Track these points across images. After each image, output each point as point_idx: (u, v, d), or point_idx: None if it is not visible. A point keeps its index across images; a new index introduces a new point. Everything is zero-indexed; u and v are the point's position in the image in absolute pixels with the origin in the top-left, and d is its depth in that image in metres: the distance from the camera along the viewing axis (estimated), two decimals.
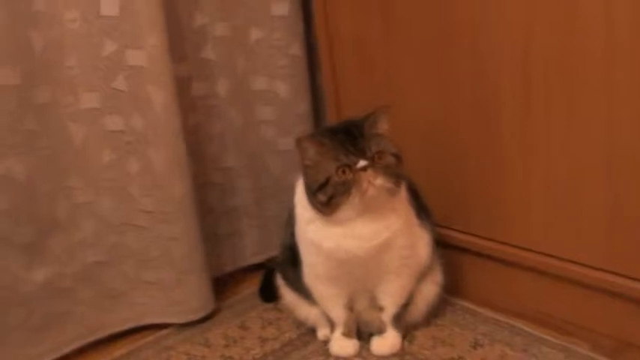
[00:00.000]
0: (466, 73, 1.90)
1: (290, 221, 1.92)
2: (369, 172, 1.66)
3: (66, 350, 2.06)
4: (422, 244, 1.90)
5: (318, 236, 1.77)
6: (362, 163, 1.66)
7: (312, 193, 1.73)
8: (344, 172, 1.67)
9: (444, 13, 1.91)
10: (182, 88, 2.08)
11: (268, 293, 2.23)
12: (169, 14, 1.99)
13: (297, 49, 2.31)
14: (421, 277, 1.92)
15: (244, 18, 2.23)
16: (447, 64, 1.94)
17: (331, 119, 2.35)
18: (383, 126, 1.74)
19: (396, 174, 1.71)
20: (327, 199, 1.69)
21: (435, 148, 2.06)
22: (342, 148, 1.68)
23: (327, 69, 2.32)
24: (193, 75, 2.19)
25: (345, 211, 1.70)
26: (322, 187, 1.69)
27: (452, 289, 2.07)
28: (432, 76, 1.99)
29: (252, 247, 2.45)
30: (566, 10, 1.65)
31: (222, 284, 2.36)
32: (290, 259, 1.94)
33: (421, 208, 1.92)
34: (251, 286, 2.36)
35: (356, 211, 1.70)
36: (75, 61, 1.93)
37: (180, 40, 2.11)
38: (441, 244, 1.98)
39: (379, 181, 1.67)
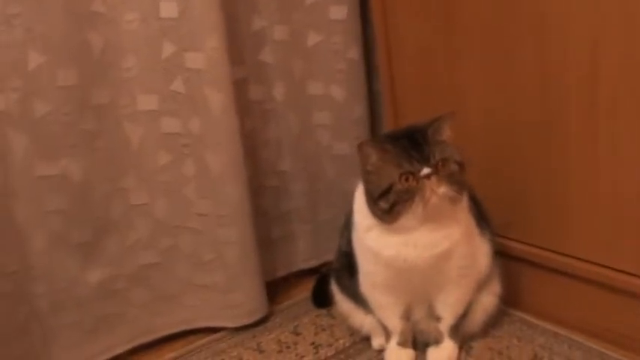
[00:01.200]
0: (530, 79, 1.87)
1: (347, 227, 1.90)
2: (433, 180, 1.63)
3: (117, 352, 2.07)
4: (481, 253, 1.87)
5: (378, 244, 1.74)
6: (426, 170, 1.63)
7: (373, 200, 1.70)
8: (407, 179, 1.63)
9: (508, 15, 1.87)
10: (239, 91, 2.07)
11: (321, 299, 2.21)
12: (228, 17, 1.97)
13: (354, 53, 2.29)
14: (479, 287, 1.89)
15: (302, 22, 2.22)
16: (511, 69, 1.91)
17: (388, 125, 2.33)
18: (447, 132, 1.71)
19: (460, 182, 1.68)
20: (389, 206, 1.66)
21: (497, 156, 2.02)
22: (405, 154, 1.64)
23: (385, 73, 2.29)
24: (250, 78, 2.17)
25: (407, 219, 1.67)
26: (384, 194, 1.66)
27: (509, 300, 2.03)
28: (495, 81, 1.96)
29: (305, 252, 2.43)
30: (635, 10, 1.61)
31: (275, 289, 2.35)
32: (346, 267, 1.92)
33: (482, 217, 1.89)
34: (304, 291, 2.35)
35: (418, 219, 1.67)
36: (133, 63, 1.93)
37: (238, 43, 2.10)
38: (499, 254, 1.95)
39: (443, 189, 1.64)
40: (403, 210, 1.65)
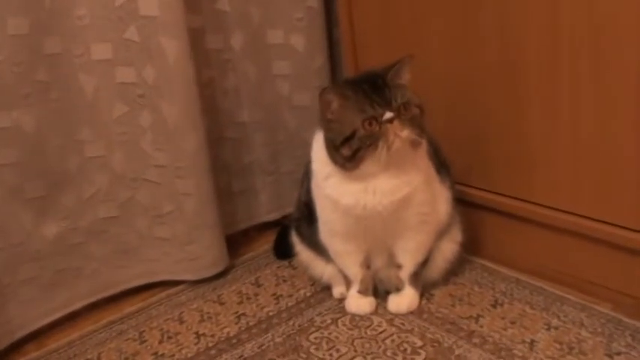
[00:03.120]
0: (491, 28, 1.85)
1: (306, 177, 1.89)
2: (396, 123, 1.62)
3: (77, 306, 2.06)
4: (442, 200, 1.87)
5: (336, 192, 1.73)
6: (388, 114, 1.61)
7: (334, 147, 1.68)
8: (370, 124, 1.62)
9: None
10: (196, 40, 2.04)
11: (283, 250, 2.21)
12: None
13: (314, 0, 2.25)
14: (440, 234, 1.89)
15: None
16: (473, 18, 1.89)
17: (349, 74, 2.30)
18: (406, 76, 1.69)
19: (420, 126, 1.67)
20: (352, 153, 1.65)
21: (457, 104, 2.01)
22: (367, 99, 1.63)
23: (345, 22, 2.26)
24: (207, 27, 2.14)
25: (370, 165, 1.66)
26: (347, 140, 1.64)
27: (471, 247, 2.03)
28: (455, 26, 1.94)
29: (267, 204, 2.42)
30: None
31: (236, 241, 2.34)
32: (306, 216, 1.91)
33: (441, 164, 1.88)
34: (265, 244, 2.34)
35: (381, 164, 1.65)
36: (86, 11, 1.89)
37: None
38: (460, 202, 1.95)
39: (405, 132, 1.63)
40: (366, 155, 1.64)
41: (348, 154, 1.65)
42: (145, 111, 1.99)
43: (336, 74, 2.41)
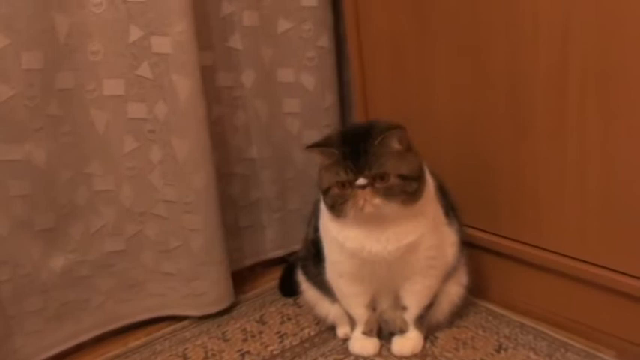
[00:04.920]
0: (500, 70, 1.86)
1: (314, 215, 1.90)
2: (367, 191, 1.64)
3: (82, 339, 2.06)
4: (449, 244, 1.87)
5: (341, 235, 1.75)
6: (360, 181, 1.63)
7: (322, 193, 1.74)
8: (343, 186, 1.66)
9: (480, 4, 1.86)
10: (207, 77, 2.05)
11: (288, 288, 2.20)
12: (196, 1, 1.95)
13: (325, 40, 2.27)
14: (446, 277, 1.89)
15: (272, 8, 2.19)
16: (481, 60, 1.90)
17: (358, 113, 2.32)
18: (394, 146, 1.67)
19: (404, 192, 1.66)
20: (331, 204, 1.70)
21: (465, 146, 2.02)
22: (344, 163, 1.65)
23: (355, 62, 2.28)
24: (219, 65, 2.15)
25: (353, 219, 1.69)
26: (325, 193, 1.70)
27: (476, 290, 2.03)
28: (464, 71, 1.95)
29: (273, 241, 2.42)
30: (606, 3, 1.60)
31: (241, 278, 2.34)
32: (312, 255, 1.92)
33: (450, 208, 1.88)
34: (271, 281, 2.34)
35: (357, 222, 1.69)
36: (99, 47, 1.90)
37: (206, 29, 2.08)
38: (466, 244, 1.95)
39: (376, 201, 1.64)
40: (342, 210, 1.67)
41: (329, 203, 1.70)
42: (155, 146, 2.00)
43: (345, 113, 2.42)
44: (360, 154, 1.64)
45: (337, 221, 1.73)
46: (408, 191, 1.67)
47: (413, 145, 1.72)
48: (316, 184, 1.76)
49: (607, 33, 1.61)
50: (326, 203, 1.72)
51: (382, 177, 1.64)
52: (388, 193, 1.64)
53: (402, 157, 1.68)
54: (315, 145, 1.74)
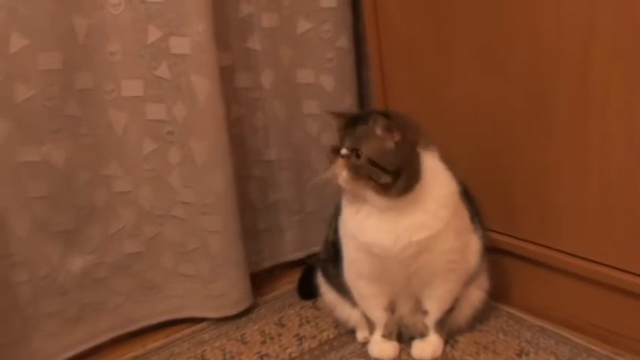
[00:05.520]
0: (520, 74, 1.84)
1: (335, 217, 1.89)
2: (340, 161, 1.70)
3: (100, 341, 2.06)
4: (472, 250, 1.85)
5: (357, 228, 1.76)
6: (343, 151, 1.71)
7: None
8: (333, 151, 1.74)
9: (498, 6, 1.85)
10: (226, 78, 2.04)
11: (307, 290, 2.20)
12: (215, 1, 1.95)
13: (344, 41, 2.26)
14: (467, 282, 1.87)
15: (291, 8, 2.19)
16: (501, 60, 1.88)
17: None
18: (377, 132, 1.70)
19: (372, 180, 1.69)
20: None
21: (485, 148, 2.00)
22: (342, 132, 1.75)
23: (375, 63, 2.27)
24: (238, 65, 2.15)
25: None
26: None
27: (497, 294, 2.01)
28: (484, 71, 1.93)
29: (292, 243, 2.42)
30: (628, 2, 1.58)
31: (260, 280, 2.34)
32: (332, 256, 1.91)
33: (475, 213, 1.87)
34: (289, 283, 2.33)
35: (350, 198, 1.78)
36: (118, 48, 1.90)
37: (225, 29, 2.07)
38: (488, 248, 1.92)
39: (344, 174, 1.69)
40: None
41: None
42: (173, 148, 1.99)
43: None
44: (351, 127, 1.72)
45: (360, 214, 1.75)
46: (376, 180, 1.68)
47: (410, 145, 1.72)
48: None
49: (631, 33, 1.59)
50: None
51: (357, 154, 1.68)
52: (354, 171, 1.69)
53: (382, 145, 1.69)
54: (333, 112, 1.84)
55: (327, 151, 1.76)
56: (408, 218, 1.71)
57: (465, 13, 1.93)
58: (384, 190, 1.69)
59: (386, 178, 1.68)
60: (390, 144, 1.69)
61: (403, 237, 1.70)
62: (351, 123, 1.73)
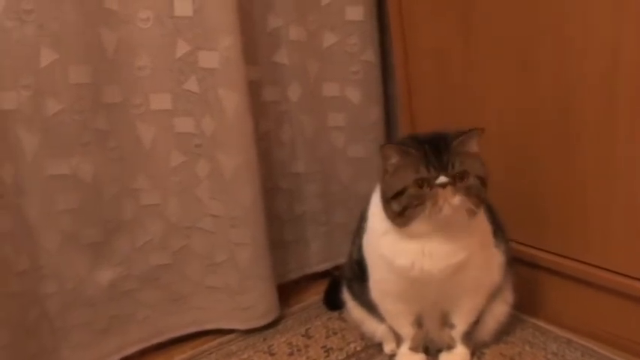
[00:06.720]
0: (548, 87, 1.85)
1: (358, 234, 1.89)
2: (448, 189, 1.60)
3: (128, 352, 2.07)
4: (495, 264, 1.84)
5: (391, 252, 1.71)
6: (442, 179, 1.59)
7: (386, 200, 1.67)
8: (421, 185, 1.61)
9: (526, 16, 1.85)
10: (253, 92, 2.05)
11: (334, 301, 2.20)
12: (243, 16, 1.96)
13: (370, 55, 2.28)
14: (492, 296, 1.87)
15: (318, 22, 2.20)
16: (528, 72, 1.89)
17: (403, 127, 2.31)
18: (473, 147, 1.66)
19: (478, 196, 1.64)
20: (401, 209, 1.63)
21: (512, 162, 2.00)
22: (424, 160, 1.61)
23: (401, 76, 2.27)
24: (265, 79, 2.16)
25: (420, 224, 1.64)
26: (397, 196, 1.63)
27: (522, 305, 2.01)
28: (512, 84, 1.94)
29: (319, 255, 2.43)
30: None
31: (287, 291, 2.34)
32: (357, 275, 1.90)
33: (498, 227, 1.86)
34: (316, 294, 2.34)
35: (430, 226, 1.64)
36: (146, 62, 1.92)
37: (252, 43, 2.09)
38: (513, 260, 1.92)
39: (457, 201, 1.60)
40: (414, 214, 1.62)
41: (398, 209, 1.64)
42: (201, 161, 2.01)
43: (391, 128, 2.42)
44: (440, 152, 1.62)
45: (394, 234, 1.70)
46: (481, 195, 1.65)
47: None
48: (381, 192, 1.70)
49: None
50: (392, 210, 1.66)
51: (462, 176, 1.61)
52: (468, 193, 1.62)
53: (477, 159, 1.66)
54: (393, 143, 1.72)
55: (410, 191, 1.61)
56: (447, 240, 1.68)
57: (493, 26, 1.94)
58: (479, 205, 1.67)
59: (485, 192, 1.67)
60: (479, 157, 1.67)
61: (442, 260, 1.68)
62: (433, 148, 1.62)
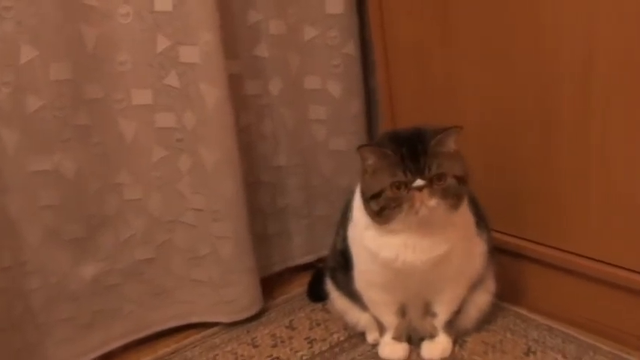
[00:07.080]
0: (525, 76, 1.86)
1: (342, 225, 1.90)
2: (425, 192, 1.61)
3: (112, 347, 2.07)
4: (478, 253, 1.86)
5: (376, 244, 1.73)
6: (418, 182, 1.61)
7: (366, 199, 1.69)
8: (398, 188, 1.62)
9: (504, 13, 1.86)
10: (234, 86, 2.05)
11: (317, 293, 2.21)
12: (223, 10, 1.96)
13: (351, 48, 2.27)
14: (474, 285, 1.89)
15: (298, 16, 2.20)
16: (506, 66, 1.90)
17: (384, 120, 2.32)
18: (450, 146, 1.66)
19: (457, 195, 1.66)
20: (379, 209, 1.65)
21: (491, 152, 2.02)
22: (401, 163, 1.62)
23: (381, 69, 2.28)
24: (246, 73, 2.16)
25: (398, 224, 1.66)
26: (375, 197, 1.65)
27: (504, 294, 2.02)
28: (490, 77, 1.95)
29: (301, 247, 2.43)
30: (631, 12, 1.60)
31: (270, 284, 2.35)
32: (341, 265, 1.91)
33: (480, 218, 1.87)
34: (299, 286, 2.35)
35: (407, 226, 1.66)
36: (127, 57, 1.92)
37: (233, 38, 2.08)
38: (495, 249, 1.94)
39: (433, 202, 1.61)
40: (392, 215, 1.65)
41: (376, 209, 1.66)
42: (183, 155, 2.01)
43: (372, 121, 2.43)
44: (417, 154, 1.62)
45: (376, 229, 1.71)
46: (459, 194, 1.66)
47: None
48: (361, 191, 1.72)
49: (633, 35, 1.61)
50: (371, 209, 1.67)
51: (440, 177, 1.63)
52: (445, 194, 1.63)
53: (456, 157, 1.67)
54: (369, 145, 1.72)
55: (387, 194, 1.63)
56: (428, 234, 1.69)
57: (472, 19, 1.95)
58: (459, 202, 1.68)
59: (464, 189, 1.68)
60: (458, 154, 1.68)
61: (425, 253, 1.70)
62: (410, 150, 1.63)
